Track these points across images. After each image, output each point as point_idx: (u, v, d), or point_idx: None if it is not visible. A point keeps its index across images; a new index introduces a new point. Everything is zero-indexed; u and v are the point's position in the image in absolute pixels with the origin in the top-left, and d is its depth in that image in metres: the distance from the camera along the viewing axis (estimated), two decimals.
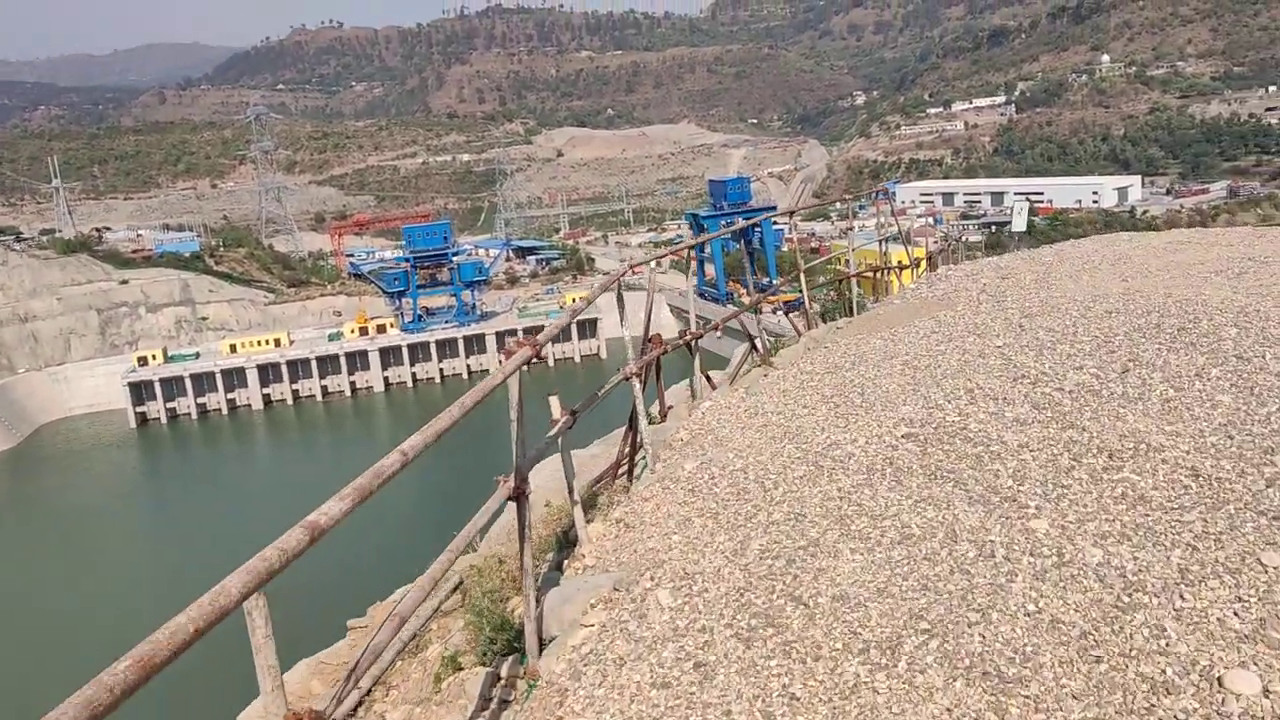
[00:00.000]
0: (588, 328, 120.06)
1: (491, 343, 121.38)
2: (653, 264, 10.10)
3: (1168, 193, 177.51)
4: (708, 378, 11.61)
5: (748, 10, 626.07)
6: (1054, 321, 11.29)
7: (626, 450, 8.98)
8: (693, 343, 10.68)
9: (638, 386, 8.41)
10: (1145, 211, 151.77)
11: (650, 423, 9.55)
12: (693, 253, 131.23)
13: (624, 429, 9.28)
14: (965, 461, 6.66)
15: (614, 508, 7.40)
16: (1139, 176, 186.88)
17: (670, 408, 11.02)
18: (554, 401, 6.47)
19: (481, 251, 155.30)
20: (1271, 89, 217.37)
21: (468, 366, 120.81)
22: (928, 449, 7.04)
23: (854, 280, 18.85)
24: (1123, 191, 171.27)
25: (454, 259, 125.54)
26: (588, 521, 7.03)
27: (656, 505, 6.96)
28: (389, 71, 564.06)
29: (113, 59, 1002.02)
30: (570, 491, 6.56)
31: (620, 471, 8.96)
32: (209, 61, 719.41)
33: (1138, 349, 8.85)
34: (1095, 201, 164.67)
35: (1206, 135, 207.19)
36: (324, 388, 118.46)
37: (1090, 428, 6.88)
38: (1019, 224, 41.13)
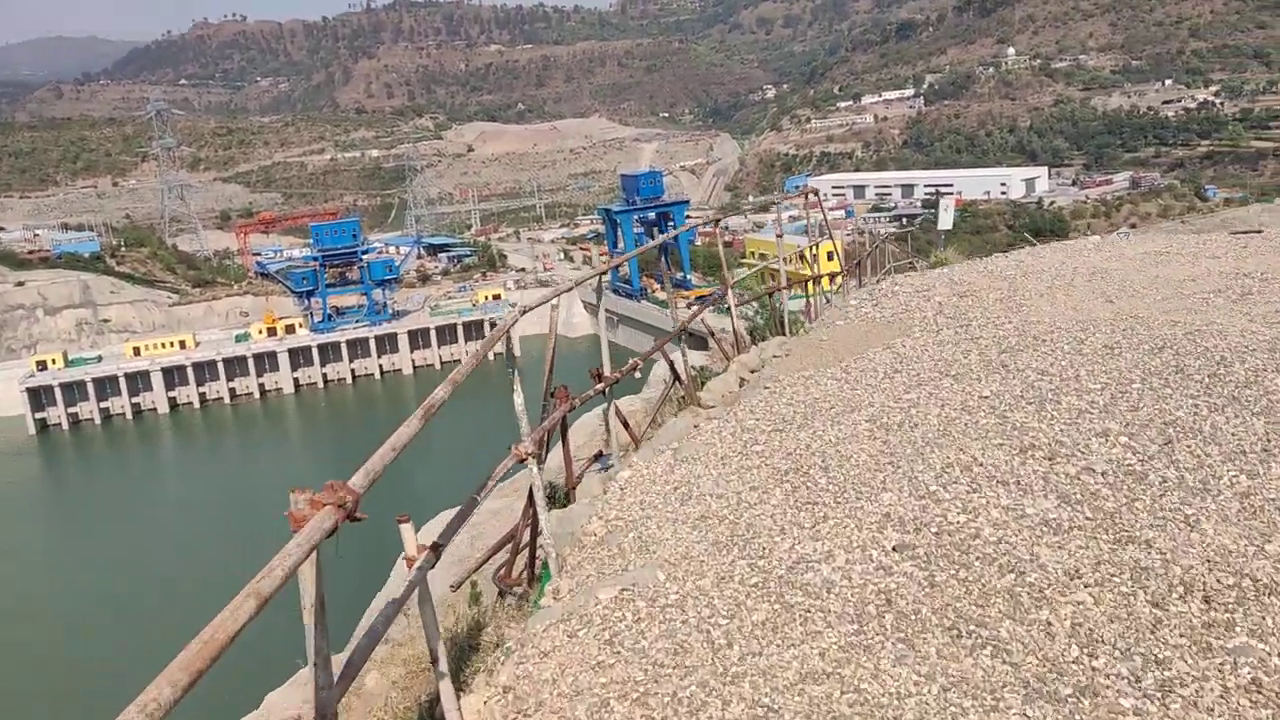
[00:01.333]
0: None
1: (404, 342, 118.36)
2: (554, 302, 8.03)
3: (1073, 184, 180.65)
4: (626, 424, 9.52)
5: (657, 4, 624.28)
6: (1043, 360, 9.65)
7: (525, 541, 6.93)
8: (607, 389, 8.63)
9: (535, 471, 6.36)
10: (1053, 203, 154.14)
11: (553, 501, 7.47)
12: (605, 247, 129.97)
13: (522, 505, 7.22)
14: (995, 604, 4.71)
15: (502, 661, 5.26)
16: (1045, 168, 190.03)
17: (579, 479, 8.90)
18: (406, 533, 4.34)
19: (392, 249, 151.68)
20: (1168, 82, 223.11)
21: (380, 367, 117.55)
22: (934, 576, 5.12)
23: (785, 292, 16.52)
24: (1030, 183, 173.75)
25: (364, 257, 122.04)
26: (461, 690, 4.94)
27: (559, 667, 4.82)
28: (295, 66, 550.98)
29: (4, 53, 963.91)
30: (434, 659, 4.46)
31: (514, 576, 6.89)
32: (108, 56, 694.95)
33: (1167, 405, 7.10)
34: (1004, 193, 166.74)
35: (1109, 127, 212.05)
36: (232, 390, 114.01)
37: (1157, 542, 5.04)
38: (945, 221, 40.01)
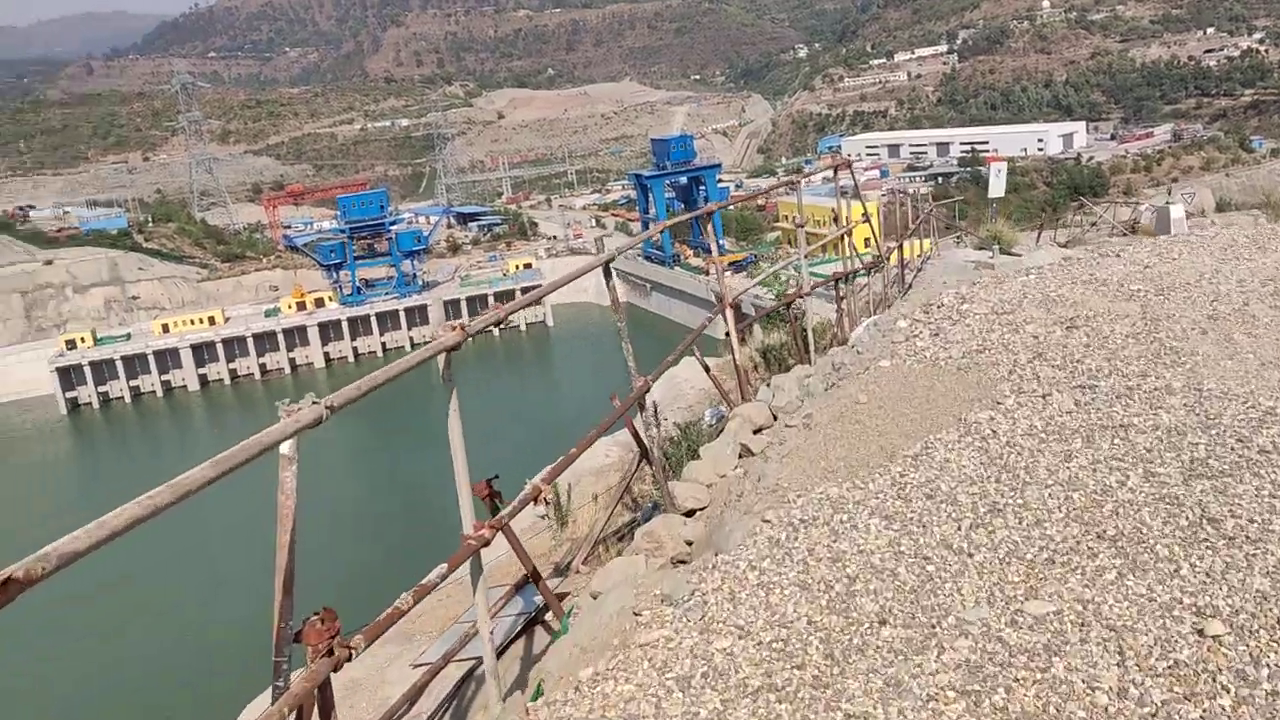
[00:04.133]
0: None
1: (434, 314, 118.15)
2: (581, 281, 7.74)
3: (1112, 138, 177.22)
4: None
5: None
6: None
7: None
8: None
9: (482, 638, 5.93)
10: (1091, 158, 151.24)
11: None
12: (638, 214, 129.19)
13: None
14: None
15: None
16: (1083, 122, 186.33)
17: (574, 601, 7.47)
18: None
19: (421, 219, 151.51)
20: (1209, 30, 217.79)
21: (410, 339, 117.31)
22: None
23: (808, 299, 13.47)
24: (1067, 138, 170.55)
25: (392, 228, 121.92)
26: None
27: None
28: (323, 36, 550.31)
29: (36, 30, 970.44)
30: None
31: None
32: (136, 30, 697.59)
33: None
34: (1041, 149, 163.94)
35: (1147, 79, 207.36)
36: (262, 366, 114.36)
37: None
38: (997, 188, 38.54)
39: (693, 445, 10.71)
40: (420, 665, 7.71)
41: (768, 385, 11.70)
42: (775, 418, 10.84)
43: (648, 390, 8.16)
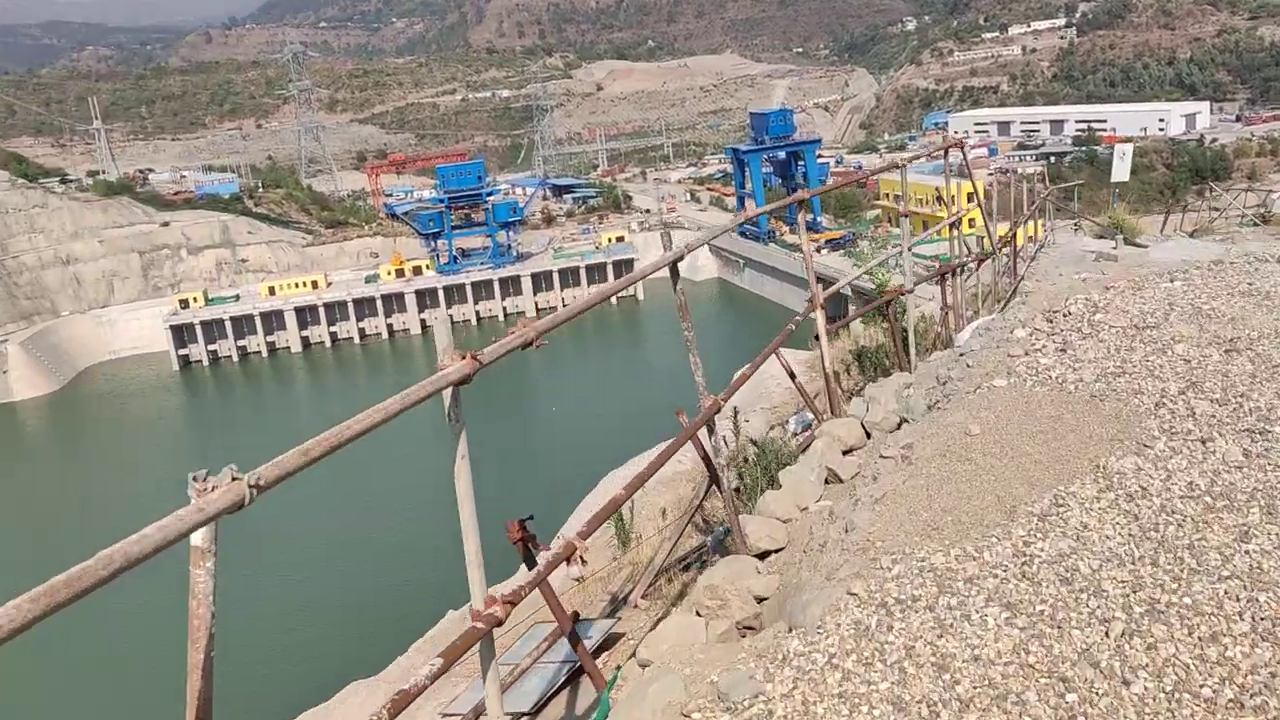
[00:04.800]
0: (624, 269, 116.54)
1: (527, 285, 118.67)
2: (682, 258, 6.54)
3: (1236, 119, 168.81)
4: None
5: None
6: None
7: None
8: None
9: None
10: (1214, 140, 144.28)
11: None
12: (734, 188, 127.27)
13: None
14: None
15: None
16: (1206, 102, 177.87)
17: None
18: None
19: (517, 190, 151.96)
20: None
21: (504, 309, 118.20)
22: None
23: (909, 296, 12.11)
24: (1190, 118, 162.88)
25: (489, 199, 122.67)
26: None
27: None
28: (429, 6, 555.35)
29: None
30: None
31: None
32: (251, 2, 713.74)
33: None
34: (1162, 130, 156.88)
35: (1276, 58, 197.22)
36: (361, 330, 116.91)
37: None
38: (1120, 172, 35.84)
39: (771, 466, 9.24)
40: (451, 717, 6.71)
41: (861, 395, 10.42)
42: (869, 434, 9.57)
43: (718, 411, 7.02)
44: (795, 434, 12.07)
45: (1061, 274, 17.80)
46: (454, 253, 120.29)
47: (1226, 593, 4.68)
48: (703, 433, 7.16)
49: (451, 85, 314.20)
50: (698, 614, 6.21)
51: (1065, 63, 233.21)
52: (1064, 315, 9.24)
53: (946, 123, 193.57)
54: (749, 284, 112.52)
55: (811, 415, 11.12)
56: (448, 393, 4.28)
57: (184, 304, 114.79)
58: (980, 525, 5.74)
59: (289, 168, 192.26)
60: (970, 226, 18.20)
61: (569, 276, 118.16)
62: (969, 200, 30.62)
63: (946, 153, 13.75)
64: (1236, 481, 5.70)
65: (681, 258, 6.64)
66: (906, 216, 11.85)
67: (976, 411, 7.47)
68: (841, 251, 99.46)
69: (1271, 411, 6.56)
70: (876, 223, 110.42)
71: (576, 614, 6.63)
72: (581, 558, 4.88)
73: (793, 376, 9.85)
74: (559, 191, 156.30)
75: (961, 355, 9.99)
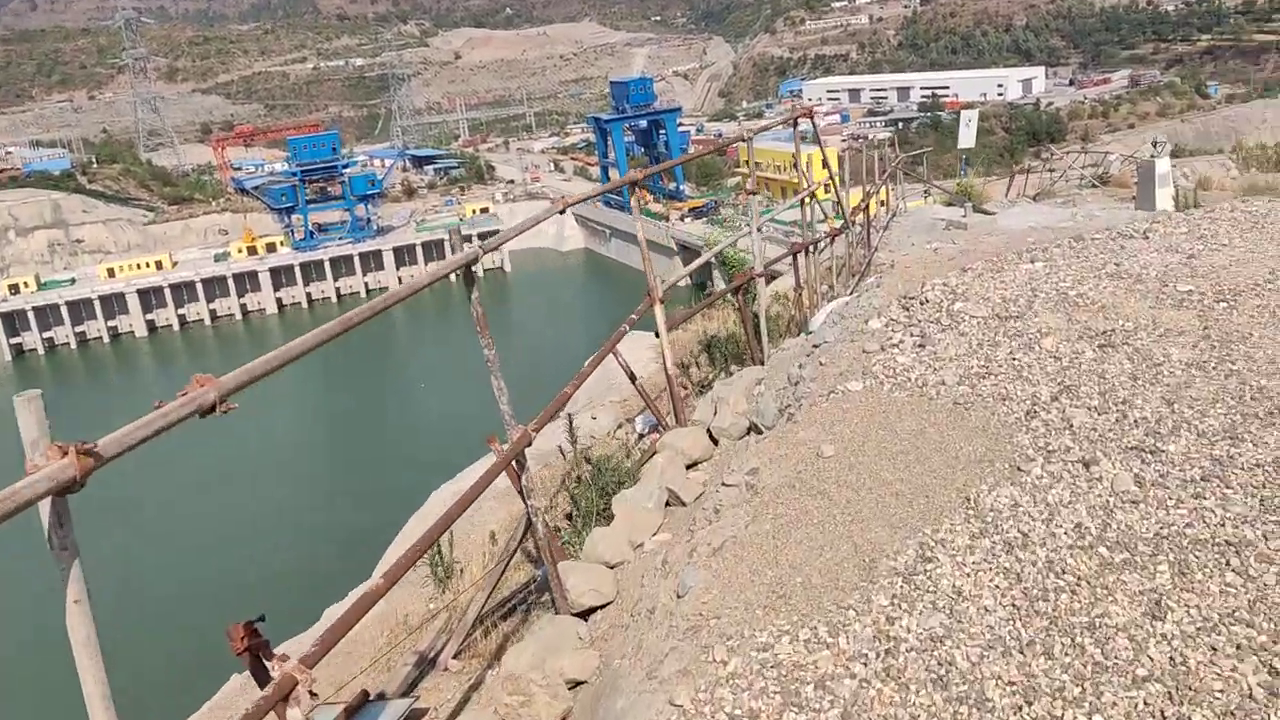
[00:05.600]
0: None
1: (389, 259, 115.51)
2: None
3: (1070, 84, 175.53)
4: None
5: None
6: None
7: None
8: None
9: None
10: (1050, 104, 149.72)
11: None
12: (597, 158, 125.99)
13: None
14: None
15: None
16: (1042, 67, 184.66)
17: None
18: None
19: (375, 162, 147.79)
20: None
21: (365, 285, 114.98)
22: None
23: (762, 281, 11.10)
24: (1027, 83, 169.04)
25: (345, 171, 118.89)
26: None
27: None
28: None
29: None
30: None
31: None
32: None
33: None
34: (1001, 94, 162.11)
35: (1106, 24, 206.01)
36: (212, 311, 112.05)
37: None
38: (966, 138, 35.35)
39: (609, 486, 8.08)
40: None
41: (708, 393, 9.44)
42: (716, 441, 8.60)
43: (529, 444, 5.90)
44: (642, 434, 11.07)
45: (914, 244, 17.21)
46: (310, 228, 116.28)
47: (1146, 704, 3.62)
48: (527, 459, 6.04)
49: (301, 53, 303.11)
50: (495, 712, 5.10)
51: (910, 31, 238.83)
52: (920, 303, 8.38)
53: (801, 90, 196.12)
54: (615, 253, 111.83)
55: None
56: (45, 505, 2.96)
57: (14, 289, 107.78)
58: (835, 588, 4.77)
59: (126, 142, 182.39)
60: (826, 192, 17.44)
61: (433, 249, 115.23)
62: (824, 167, 30.03)
63: (796, 122, 12.84)
64: (1134, 524, 4.70)
65: (476, 260, 5.48)
66: (754, 194, 10.91)
67: (830, 425, 6.53)
68: (705, 219, 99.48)
69: (1160, 423, 5.63)
70: (738, 189, 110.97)
71: (365, 693, 5.44)
72: (311, 690, 3.72)
73: (633, 379, 8.80)
74: (419, 163, 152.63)
75: (815, 347, 9.12)
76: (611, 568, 6.58)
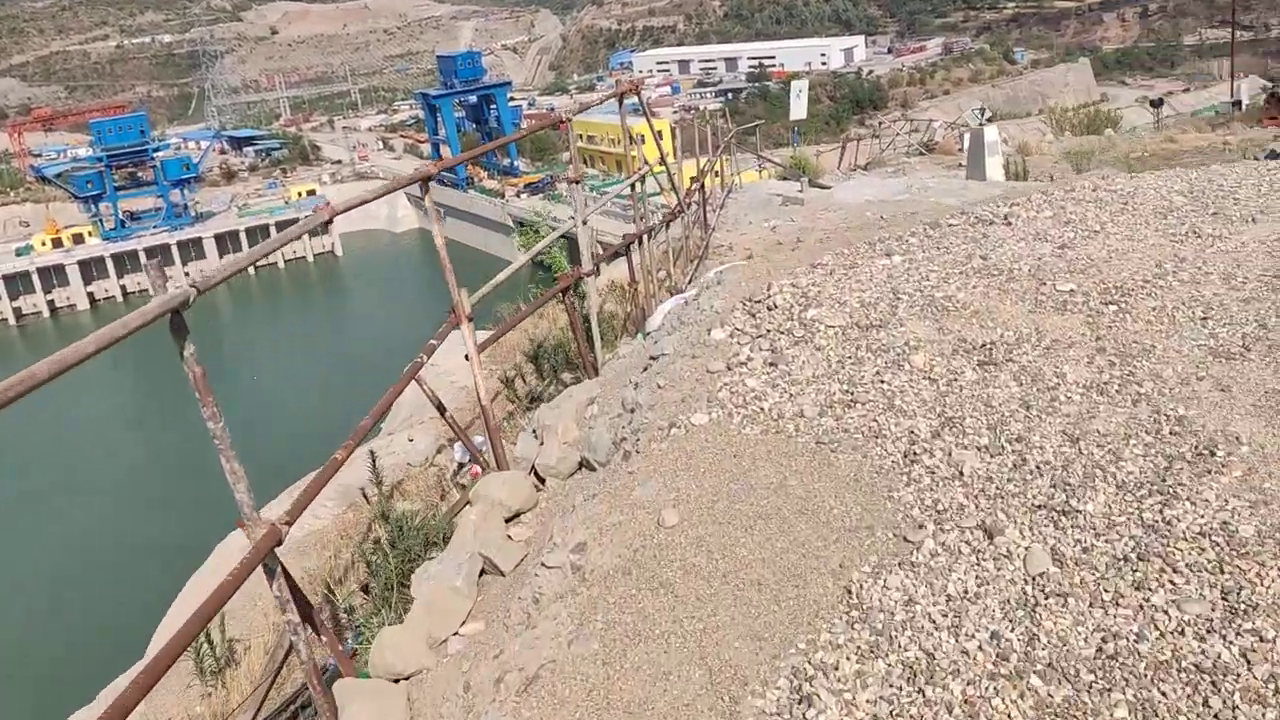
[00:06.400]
0: (319, 225, 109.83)
1: (210, 247, 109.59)
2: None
3: (889, 52, 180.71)
4: None
5: None
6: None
7: None
8: None
9: None
10: (870, 72, 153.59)
11: None
12: (427, 135, 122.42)
13: None
14: None
15: None
16: (862, 37, 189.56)
17: None
18: None
19: (190, 144, 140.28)
20: None
21: (185, 274, 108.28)
22: None
23: (592, 280, 9.72)
24: (848, 52, 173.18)
25: (156, 155, 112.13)
26: None
27: None
28: None
29: None
30: None
31: None
32: None
33: None
34: (824, 64, 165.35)
35: None
36: (16, 310, 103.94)
37: None
38: (798, 110, 34.20)
39: (414, 551, 6.64)
40: None
41: (530, 422, 8.19)
42: (543, 481, 7.36)
43: (279, 543, 4.46)
44: (462, 464, 9.77)
45: (751, 222, 16.40)
46: (120, 217, 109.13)
47: None
48: (279, 562, 4.62)
49: (103, 30, 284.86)
50: None
51: (735, 1, 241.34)
52: (768, 308, 7.29)
53: (631, 62, 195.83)
54: (451, 233, 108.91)
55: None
56: None
57: None
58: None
59: None
60: (661, 165, 16.29)
61: (258, 234, 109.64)
62: (657, 144, 28.72)
63: (621, 99, 11.54)
64: (1067, 634, 3.54)
65: (188, 304, 4.04)
66: (578, 183, 9.66)
67: (672, 477, 5.32)
68: (541, 195, 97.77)
69: (1068, 469, 4.54)
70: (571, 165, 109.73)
71: None
72: None
73: (442, 411, 7.46)
74: (238, 144, 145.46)
75: (653, 360, 7.96)
76: (407, 678, 5.23)
